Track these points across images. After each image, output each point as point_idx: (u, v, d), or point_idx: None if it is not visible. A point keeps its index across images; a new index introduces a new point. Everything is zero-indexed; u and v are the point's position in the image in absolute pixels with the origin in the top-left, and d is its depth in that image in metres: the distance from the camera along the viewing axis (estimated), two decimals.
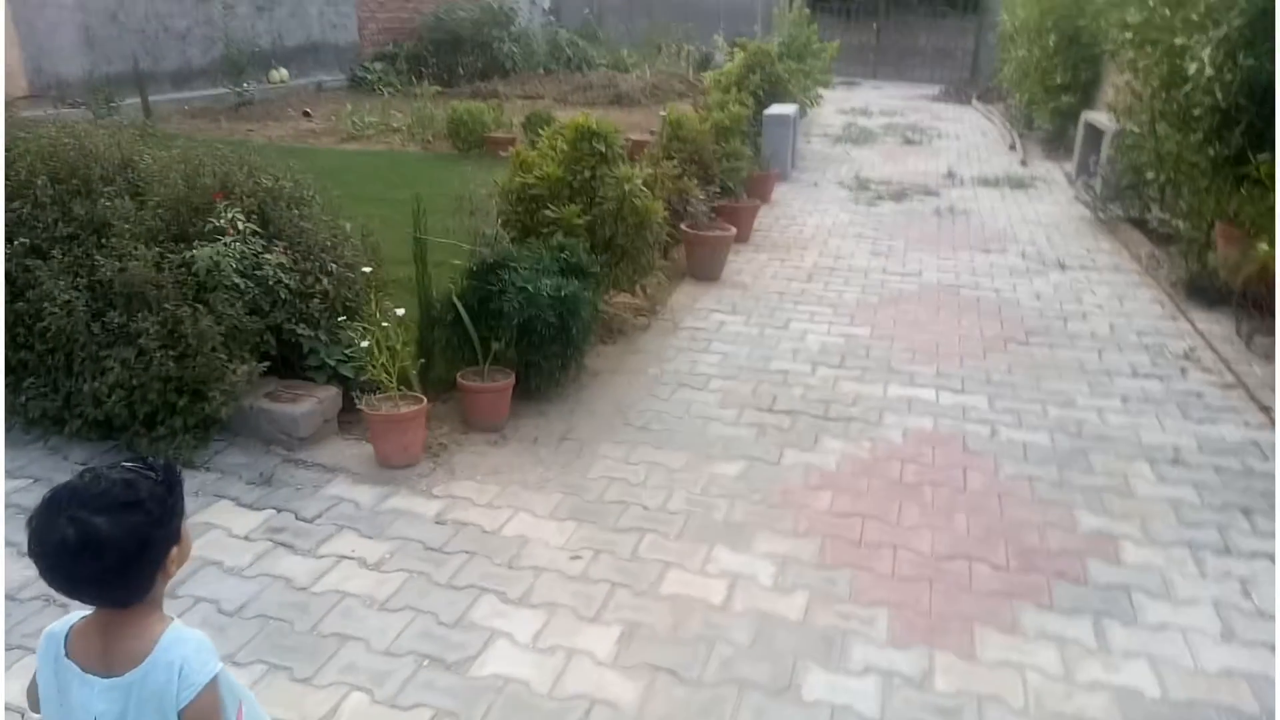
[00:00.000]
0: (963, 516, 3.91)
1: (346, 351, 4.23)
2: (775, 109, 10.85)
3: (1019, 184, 10.88)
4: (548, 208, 5.69)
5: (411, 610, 3.15)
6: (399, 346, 4.08)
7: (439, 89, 15.13)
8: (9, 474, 3.79)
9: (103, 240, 4.12)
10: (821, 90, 15.45)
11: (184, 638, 1.56)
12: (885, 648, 3.09)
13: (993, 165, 12.11)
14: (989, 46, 19.55)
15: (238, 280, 4.08)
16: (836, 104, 17.66)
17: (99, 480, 1.48)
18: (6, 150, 4.38)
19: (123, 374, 3.80)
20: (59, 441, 3.99)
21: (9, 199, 4.22)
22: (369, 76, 16.22)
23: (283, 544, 3.48)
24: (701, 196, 7.25)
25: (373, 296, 4.33)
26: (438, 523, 3.71)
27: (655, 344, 5.87)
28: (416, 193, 4.72)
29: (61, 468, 3.86)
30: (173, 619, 1.61)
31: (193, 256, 3.97)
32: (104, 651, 1.54)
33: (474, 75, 17.19)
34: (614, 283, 6.11)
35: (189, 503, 3.40)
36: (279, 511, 3.70)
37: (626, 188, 5.69)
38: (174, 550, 1.55)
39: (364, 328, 4.00)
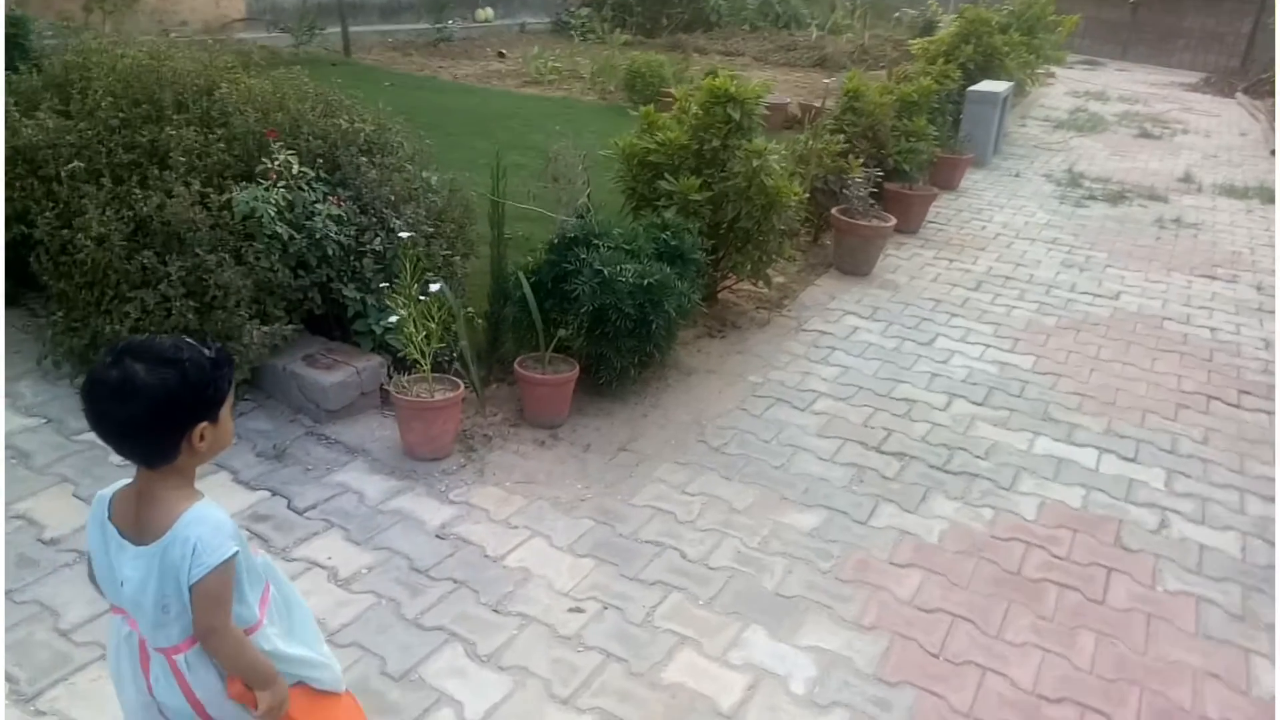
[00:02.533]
0: (1090, 641, 2.98)
1: (392, 320, 3.77)
2: (983, 85, 9.56)
3: (1273, 198, 9.07)
4: (664, 177, 5.02)
5: (358, 649, 2.66)
6: (434, 325, 3.56)
7: (640, 39, 14.65)
8: (25, 409, 3.61)
9: (162, 171, 3.83)
10: (1054, 69, 13.71)
11: (203, 517, 1.58)
12: None
13: (1244, 172, 10.22)
14: (1267, 31, 16.74)
15: (280, 230, 3.69)
16: (1070, 85, 15.72)
17: (153, 338, 1.56)
18: (83, 68, 4.20)
19: (142, 319, 3.51)
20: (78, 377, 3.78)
21: (79, 119, 4.02)
22: (572, 21, 15.96)
23: (257, 536, 3.08)
24: (860, 179, 6.31)
25: (423, 261, 3.83)
26: (438, 536, 3.21)
27: (768, 345, 5.11)
28: (497, 149, 4.16)
29: (79, 410, 3.63)
30: (201, 497, 1.63)
31: (229, 200, 3.60)
32: (136, 519, 1.60)
33: (677, 27, 16.59)
34: (733, 269, 5.39)
35: (203, 467, 3.08)
36: (273, 495, 3.31)
37: (757, 163, 4.91)
38: (204, 426, 1.57)
39: (402, 298, 3.51)
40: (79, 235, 3.60)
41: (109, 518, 1.64)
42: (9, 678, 2.42)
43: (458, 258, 4.37)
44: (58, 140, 3.90)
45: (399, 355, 3.79)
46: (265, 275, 3.65)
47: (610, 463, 3.80)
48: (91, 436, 3.51)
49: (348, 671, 2.55)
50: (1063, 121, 12.57)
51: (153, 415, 1.52)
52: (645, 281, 4.05)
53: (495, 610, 2.88)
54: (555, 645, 2.76)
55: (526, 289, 4.02)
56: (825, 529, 3.47)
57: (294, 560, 2.98)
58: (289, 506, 3.25)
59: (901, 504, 3.68)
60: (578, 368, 4.07)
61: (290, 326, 3.73)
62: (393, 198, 4.05)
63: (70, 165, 3.79)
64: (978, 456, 4.08)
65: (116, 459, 3.36)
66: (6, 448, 3.36)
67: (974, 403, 4.60)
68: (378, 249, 3.89)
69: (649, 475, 3.73)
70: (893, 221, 6.39)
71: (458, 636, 2.74)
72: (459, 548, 3.16)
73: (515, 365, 4.03)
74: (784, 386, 4.63)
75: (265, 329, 3.58)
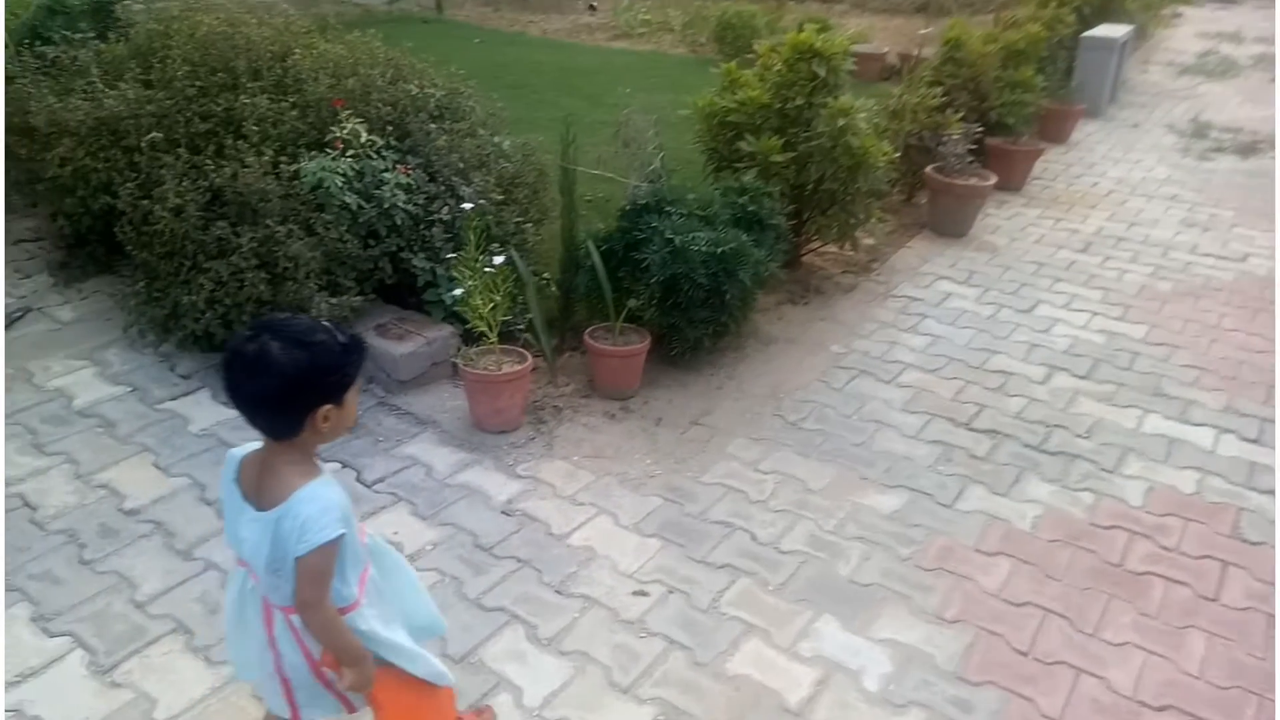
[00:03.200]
0: (1200, 642, 2.74)
1: (457, 292, 3.71)
2: (1100, 30, 8.91)
3: None
4: (745, 138, 4.81)
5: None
6: (500, 296, 3.48)
7: None
8: (112, 378, 3.70)
9: (236, 140, 3.84)
10: (1181, 8, 12.73)
11: (315, 496, 1.63)
12: None
13: None
14: None
15: (349, 200, 3.65)
16: (1200, 25, 14.59)
17: (293, 318, 1.64)
18: (164, 36, 4.23)
19: (216, 291, 3.54)
20: (170, 349, 3.85)
21: (159, 89, 4.06)
22: None
23: None
24: (958, 134, 5.94)
25: (490, 229, 3.75)
26: (503, 512, 3.15)
27: (853, 312, 4.88)
28: (567, 115, 4.03)
29: (165, 379, 3.72)
30: (320, 475, 1.68)
31: (298, 170, 3.58)
32: (258, 486, 1.66)
33: None
34: (817, 232, 5.16)
35: None
36: (343, 467, 3.31)
37: (842, 122, 4.65)
38: (329, 407, 1.62)
39: (468, 269, 3.44)
40: (157, 206, 3.63)
41: (236, 479, 1.72)
42: (88, 648, 2.47)
43: (530, 225, 4.28)
44: (139, 110, 3.95)
45: (469, 326, 3.73)
46: (335, 246, 3.64)
47: (681, 437, 3.68)
48: (172, 406, 3.61)
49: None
50: (1189, 66, 11.66)
51: (281, 392, 1.58)
52: (719, 250, 3.88)
53: (558, 591, 2.82)
54: (618, 630, 2.68)
55: (596, 258, 3.91)
56: (907, 512, 3.28)
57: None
58: (358, 479, 3.25)
59: (991, 486, 3.45)
60: (649, 339, 3.95)
61: (360, 297, 3.71)
62: (461, 165, 3.97)
63: (150, 135, 3.83)
64: (1079, 435, 3.80)
65: (195, 429, 3.46)
66: (93, 416, 3.45)
67: (1077, 376, 4.29)
68: (445, 218, 3.82)
69: (721, 451, 3.60)
70: (992, 179, 6.01)
71: (519, 618, 2.69)
72: (524, 524, 3.10)
73: (585, 336, 3.93)
74: (868, 357, 4.41)
75: (333, 300, 3.56)
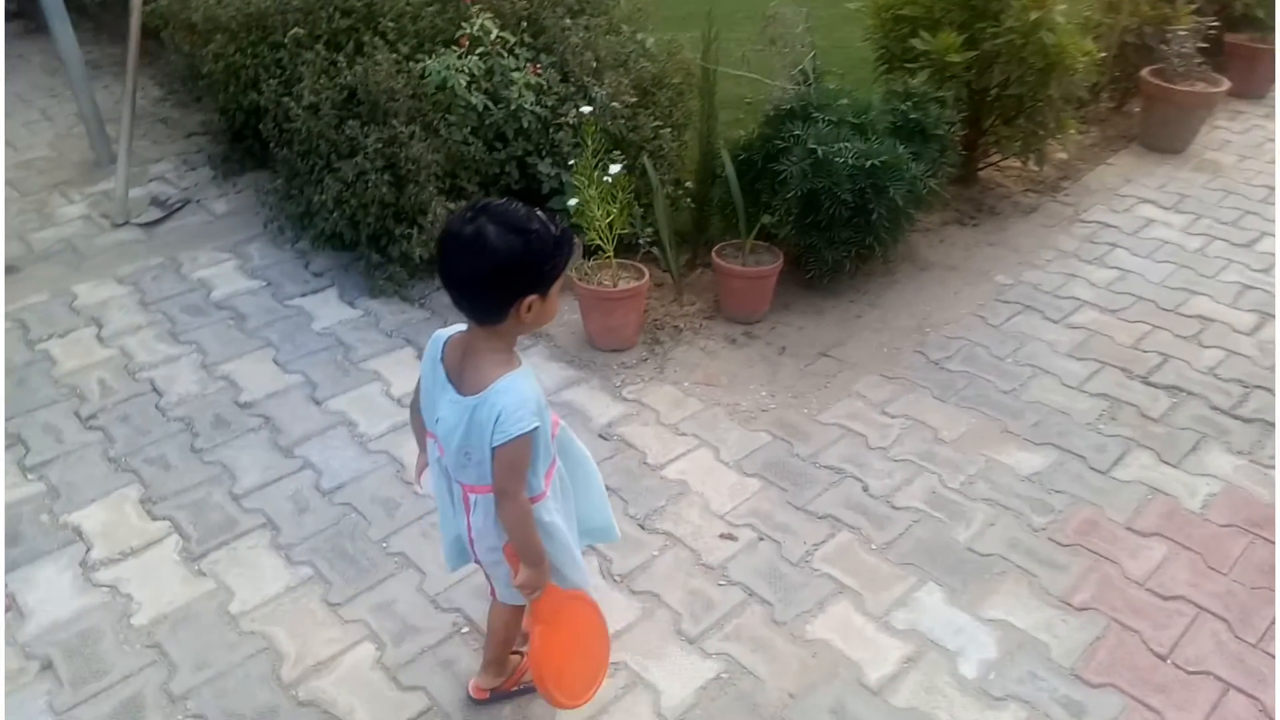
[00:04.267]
0: None
1: (571, 203, 3.54)
2: None
3: None
4: (919, 34, 4.27)
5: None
6: (616, 208, 3.28)
7: None
8: (250, 272, 3.83)
9: (374, 37, 3.78)
10: None
11: (512, 388, 1.65)
12: None
13: None
14: None
15: (474, 100, 3.53)
16: None
17: (510, 203, 1.62)
18: None
19: (344, 192, 3.54)
20: (305, 246, 3.94)
21: None
22: None
23: None
24: (1187, 30, 5.06)
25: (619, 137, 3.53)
26: (601, 436, 3.03)
27: (1029, 238, 4.33)
28: (709, 9, 3.68)
29: (298, 275, 3.81)
30: (518, 366, 1.70)
31: (424, 68, 3.47)
32: (460, 370, 1.70)
33: None
34: (997, 144, 4.58)
35: (386, 340, 3.36)
36: None
37: (1035, 16, 4.03)
38: (534, 298, 1.62)
39: (584, 178, 3.25)
40: (294, 104, 3.65)
41: (440, 358, 1.74)
42: (184, 535, 2.58)
43: (669, 130, 4.01)
44: (285, 6, 3.95)
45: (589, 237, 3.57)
46: (458, 149, 3.54)
47: (805, 369, 3.40)
48: (300, 303, 3.70)
49: (479, 572, 2.48)
50: None
51: (491, 276, 1.58)
52: (868, 163, 3.48)
53: (641, 525, 2.68)
54: (696, 575, 2.52)
55: (729, 167, 3.61)
56: (1051, 475, 2.89)
57: None
58: None
59: (1161, 453, 2.98)
60: (781, 259, 3.65)
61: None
62: (596, 64, 3.73)
63: (292, 31, 3.83)
64: None
65: (317, 327, 3.52)
66: (227, 308, 3.59)
67: None
68: (572, 122, 3.63)
69: (846, 388, 3.30)
70: (1225, 85, 5.10)
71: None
72: (619, 450, 2.97)
73: (713, 253, 3.68)
74: (1038, 291, 3.90)
75: (451, 206, 3.48)
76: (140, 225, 4.11)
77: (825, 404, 3.21)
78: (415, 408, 1.89)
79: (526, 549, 1.79)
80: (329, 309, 3.61)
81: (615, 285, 3.39)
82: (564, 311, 3.64)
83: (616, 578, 2.50)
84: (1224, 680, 2.24)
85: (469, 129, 3.54)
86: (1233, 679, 2.24)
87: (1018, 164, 4.83)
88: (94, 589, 2.39)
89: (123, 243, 3.98)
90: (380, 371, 3.27)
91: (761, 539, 2.64)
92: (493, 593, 2.01)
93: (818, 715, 2.15)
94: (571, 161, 3.54)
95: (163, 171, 4.61)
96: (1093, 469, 2.92)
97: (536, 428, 1.67)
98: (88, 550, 2.51)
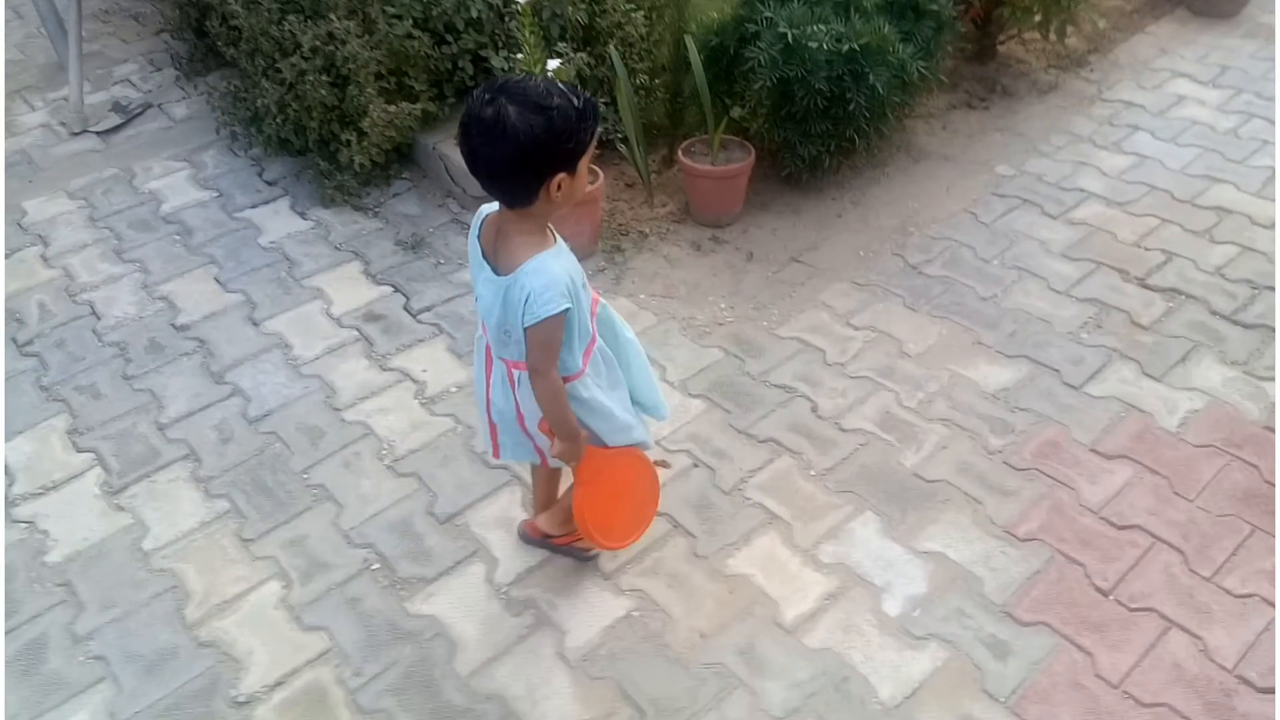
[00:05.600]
0: None
1: None
2: None
3: None
4: None
5: (416, 481, 2.49)
6: None
7: None
8: (204, 182, 3.70)
9: None
10: None
11: (542, 269, 1.64)
12: None
13: None
14: None
15: None
16: None
17: (529, 79, 1.56)
18: None
19: (286, 94, 3.36)
20: (260, 154, 3.78)
21: None
22: None
23: (364, 339, 2.97)
24: None
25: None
26: None
27: (1042, 120, 3.97)
28: None
29: (250, 185, 3.67)
30: (550, 246, 1.69)
31: None
32: (495, 248, 1.70)
33: None
34: (1014, 18, 4.15)
35: (334, 253, 3.32)
36: (395, 292, 3.16)
37: None
38: (562, 176, 1.59)
39: (522, 68, 3.02)
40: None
41: (478, 235, 1.74)
42: (106, 467, 2.56)
43: (641, 13, 3.69)
44: None
45: None
46: (401, 44, 3.30)
47: (773, 276, 3.20)
48: (250, 214, 3.58)
49: (397, 506, 2.43)
50: None
51: (517, 159, 1.55)
52: (846, 47, 3.16)
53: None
54: None
55: (693, 55, 3.32)
56: (1019, 391, 2.69)
57: (389, 370, 2.85)
58: (405, 307, 3.09)
59: (1145, 365, 2.75)
60: (753, 156, 3.39)
61: (436, 104, 3.39)
62: None
63: None
64: None
65: (264, 241, 3.41)
66: (175, 223, 3.48)
67: None
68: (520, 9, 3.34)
69: (813, 297, 3.09)
70: None
71: (522, 479, 2.49)
72: None
73: (679, 151, 3.43)
74: (1041, 182, 3.59)
75: (390, 108, 3.28)
76: (98, 133, 3.99)
77: (787, 315, 3.02)
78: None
79: (559, 424, 1.82)
80: (279, 221, 3.48)
81: None
82: None
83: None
84: (1167, 618, 2.09)
85: (411, 21, 3.29)
86: (1176, 616, 2.08)
87: (1040, 36, 4.39)
88: (11, 525, 2.39)
89: (78, 153, 3.88)
90: (323, 288, 3.17)
91: (696, 465, 2.52)
92: (543, 461, 2.05)
93: (725, 656, 2.07)
94: (519, 55, 3.29)
95: (128, 73, 4.46)
96: (1066, 384, 2.70)
97: (567, 309, 1.66)
98: (10, 485, 2.50)
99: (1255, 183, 3.49)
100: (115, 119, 4.08)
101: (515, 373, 1.82)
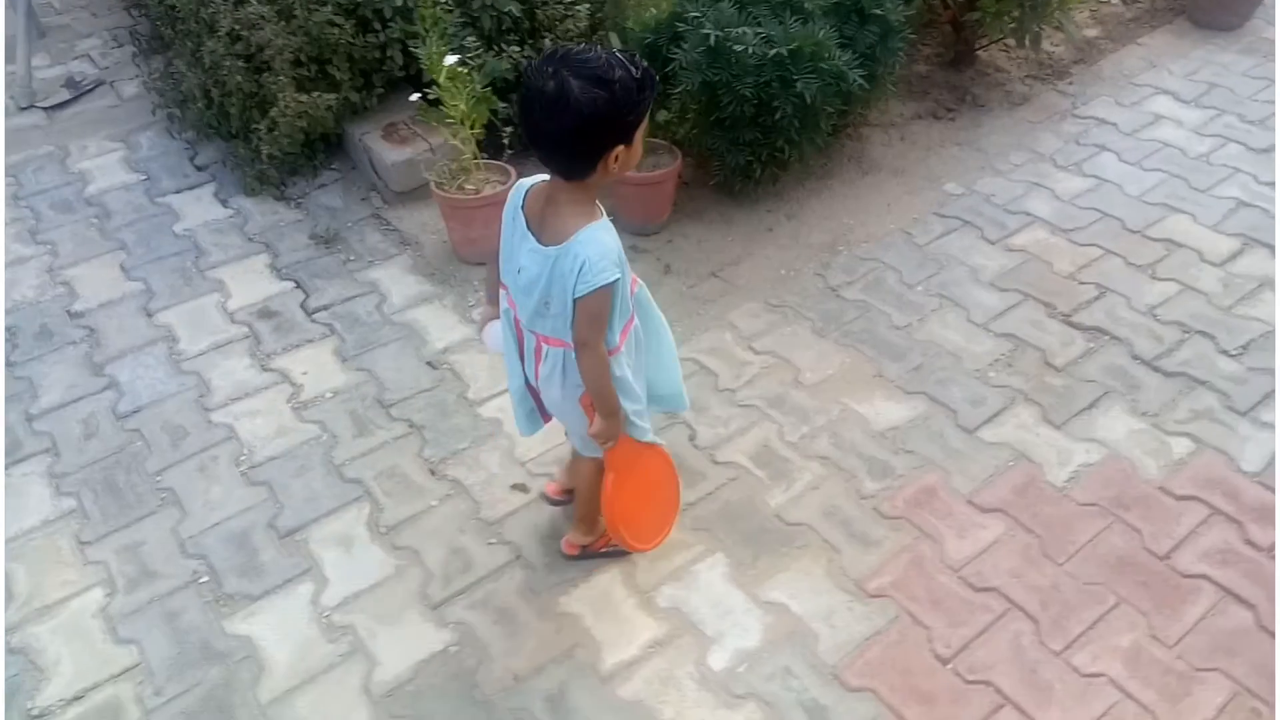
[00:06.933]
0: (1220, 693, 1.93)
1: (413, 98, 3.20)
2: None
3: None
4: None
5: (265, 491, 2.45)
6: (463, 104, 2.95)
7: None
8: (134, 164, 3.67)
9: None
10: None
11: (594, 239, 1.65)
12: None
13: None
14: None
15: None
16: None
17: (590, 51, 1.55)
18: None
19: (205, 79, 3.31)
20: (194, 137, 3.74)
21: None
22: None
23: (253, 336, 2.92)
24: None
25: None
26: (430, 364, 2.82)
27: (1006, 135, 3.79)
28: None
29: (179, 169, 3.63)
30: (600, 218, 1.69)
31: None
32: (542, 219, 1.69)
33: None
34: (983, 26, 3.94)
35: (245, 244, 3.27)
36: (296, 288, 3.11)
37: None
38: (620, 148, 1.59)
39: (430, 72, 2.92)
40: None
41: (521, 206, 1.73)
42: None
43: (585, 6, 3.58)
44: None
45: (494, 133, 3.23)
46: (321, 31, 3.23)
47: (687, 292, 3.09)
48: (172, 200, 3.55)
49: (241, 516, 2.39)
50: None
51: (579, 132, 1.55)
52: (772, 53, 3.02)
53: (431, 471, 2.50)
54: (469, 530, 2.34)
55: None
56: (908, 431, 2.56)
57: (269, 371, 2.80)
58: (302, 304, 3.04)
59: (1048, 410, 2.60)
60: (678, 162, 3.27)
61: (327, 96, 3.29)
62: None
63: None
64: (1225, 350, 2.74)
65: (179, 228, 3.38)
66: (96, 205, 3.46)
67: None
68: None
69: (721, 317, 2.98)
70: None
71: (371, 496, 2.42)
72: (443, 381, 2.77)
73: None
74: (988, 203, 3.42)
75: (302, 98, 3.21)
76: (45, 109, 3.99)
77: (690, 334, 2.91)
78: (493, 256, 1.86)
79: (602, 399, 1.80)
80: (199, 208, 3.45)
81: (479, 191, 3.10)
82: (435, 218, 3.38)
83: (381, 530, 2.35)
84: (1003, 693, 1.96)
85: (332, 8, 3.21)
86: (1014, 693, 1.96)
87: (1018, 45, 4.18)
88: None
89: (21, 129, 3.88)
90: (225, 281, 3.12)
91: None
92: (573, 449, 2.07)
93: (533, 702, 1.99)
94: (465, 43, 3.19)
95: (89, 48, 4.45)
96: (959, 426, 2.56)
97: (618, 279, 1.66)
98: None
99: (1215, 214, 3.28)
100: (65, 94, 4.07)
101: (544, 347, 1.80)
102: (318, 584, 2.23)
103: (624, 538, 2.01)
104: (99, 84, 4.15)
